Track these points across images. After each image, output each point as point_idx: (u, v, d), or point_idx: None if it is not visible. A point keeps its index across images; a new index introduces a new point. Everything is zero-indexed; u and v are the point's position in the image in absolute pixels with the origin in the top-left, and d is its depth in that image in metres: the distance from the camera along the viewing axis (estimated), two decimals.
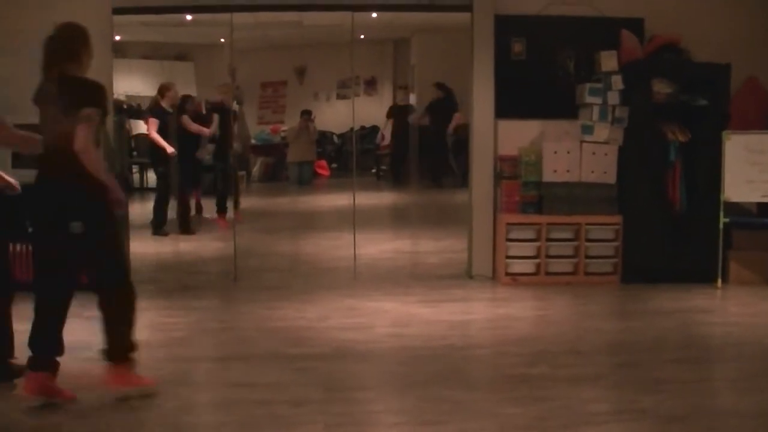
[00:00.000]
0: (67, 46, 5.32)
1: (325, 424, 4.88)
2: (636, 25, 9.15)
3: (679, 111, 8.81)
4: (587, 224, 8.93)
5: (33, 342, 5.19)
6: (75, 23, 5.43)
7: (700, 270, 8.83)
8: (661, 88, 8.86)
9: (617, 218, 8.96)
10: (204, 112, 19.39)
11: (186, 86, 21.18)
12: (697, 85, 8.84)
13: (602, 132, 8.95)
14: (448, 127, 14.06)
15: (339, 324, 6.97)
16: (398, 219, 14.19)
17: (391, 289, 8.58)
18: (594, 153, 8.97)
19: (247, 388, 5.62)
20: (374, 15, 13.28)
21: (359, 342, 6.53)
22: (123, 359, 5.32)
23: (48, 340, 5.22)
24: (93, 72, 5.34)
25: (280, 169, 15.89)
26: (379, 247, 10.83)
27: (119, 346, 5.32)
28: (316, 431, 4.70)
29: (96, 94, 5.19)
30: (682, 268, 8.82)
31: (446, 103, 13.98)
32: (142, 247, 10.52)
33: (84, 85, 5.22)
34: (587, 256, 9.00)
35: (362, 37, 18.73)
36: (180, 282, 9.36)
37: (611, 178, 8.98)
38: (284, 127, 15.69)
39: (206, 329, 7.19)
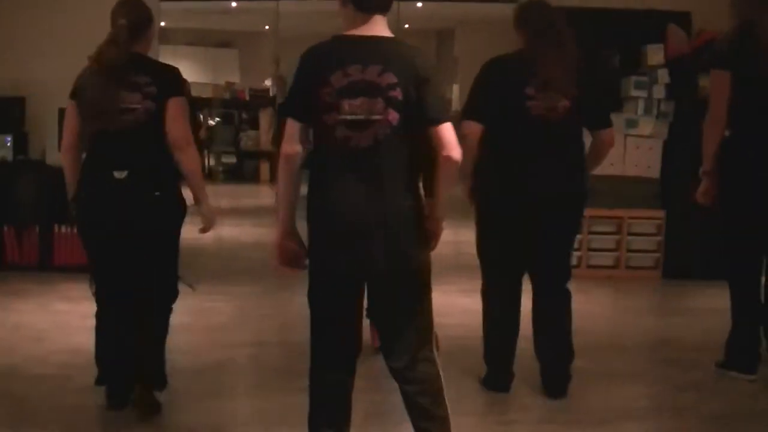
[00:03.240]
0: None
1: (366, 412, 4.90)
2: (683, 19, 9.08)
3: None
4: (630, 218, 8.90)
5: None
6: None
7: None
8: (708, 83, 8.78)
9: (660, 213, 8.92)
10: (247, 99, 19.49)
11: (230, 73, 21.32)
12: None
13: (647, 126, 8.90)
14: None
15: None
16: None
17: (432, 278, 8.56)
18: (638, 147, 8.92)
19: (288, 374, 5.65)
20: (419, 5, 13.32)
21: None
22: None
23: None
24: None
25: None
26: None
27: None
28: (357, 419, 4.71)
29: None
30: (724, 266, 8.75)
31: None
32: (183, 231, 10.60)
33: None
34: (629, 251, 8.97)
35: (407, 26, 18.77)
36: (221, 267, 9.42)
37: (655, 172, 8.94)
38: None
39: (247, 315, 7.24)
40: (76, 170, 4.78)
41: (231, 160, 19.45)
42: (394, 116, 3.60)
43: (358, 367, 5.51)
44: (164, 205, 4.68)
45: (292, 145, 3.70)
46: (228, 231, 12.40)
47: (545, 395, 5.24)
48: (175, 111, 4.66)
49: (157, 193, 4.62)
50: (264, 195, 16.22)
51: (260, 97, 19.26)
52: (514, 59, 5.09)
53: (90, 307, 5.59)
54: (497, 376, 5.34)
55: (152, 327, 4.90)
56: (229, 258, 10.18)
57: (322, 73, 3.63)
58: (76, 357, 5.79)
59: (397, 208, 3.66)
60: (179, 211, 4.81)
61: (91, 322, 4.92)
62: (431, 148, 3.66)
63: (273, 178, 16.01)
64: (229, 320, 7.04)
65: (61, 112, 8.34)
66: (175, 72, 4.85)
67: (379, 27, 3.71)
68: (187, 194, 4.79)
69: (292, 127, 3.71)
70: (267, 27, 18.18)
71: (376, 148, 3.61)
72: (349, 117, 3.60)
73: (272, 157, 16.84)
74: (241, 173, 19.20)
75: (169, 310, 4.97)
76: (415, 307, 3.86)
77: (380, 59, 3.61)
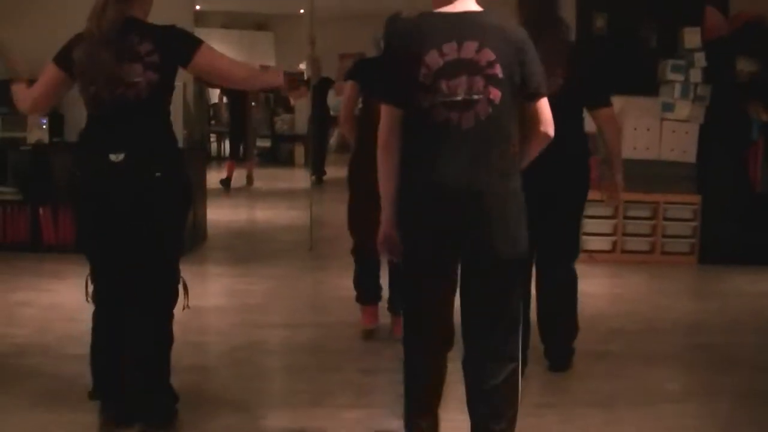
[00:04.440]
0: None
1: (397, 394, 4.88)
2: (721, 2, 8.99)
3: (763, 90, 8.64)
4: (665, 203, 8.83)
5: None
6: None
7: None
8: (745, 66, 8.71)
9: (696, 198, 8.84)
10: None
11: (265, 56, 21.33)
12: None
13: (683, 110, 8.82)
14: None
15: None
16: None
17: None
18: (674, 131, 8.85)
19: (321, 355, 5.67)
20: None
21: None
22: None
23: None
24: None
25: None
26: None
27: None
28: (389, 400, 4.73)
29: None
30: (762, 251, 8.68)
31: None
32: (217, 214, 10.64)
33: None
34: (664, 236, 8.91)
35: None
36: (255, 249, 9.45)
37: (691, 156, 8.86)
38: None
39: (281, 296, 7.26)
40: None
41: (266, 143, 19.50)
42: (495, 94, 3.44)
43: (388, 349, 5.55)
44: (166, 187, 4.13)
45: (391, 135, 3.53)
46: (262, 213, 12.47)
47: (550, 370, 5.34)
48: (212, 59, 4.21)
49: (158, 174, 4.09)
50: (299, 178, 16.24)
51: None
52: None
53: None
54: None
55: (152, 332, 4.26)
56: (263, 240, 10.21)
57: (416, 53, 3.45)
58: None
59: (504, 189, 3.50)
60: (182, 194, 4.29)
61: None
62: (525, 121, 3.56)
63: (306, 161, 16.07)
64: (263, 301, 7.06)
65: None
66: (177, 30, 4.20)
67: (468, 1, 3.56)
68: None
69: (391, 114, 3.54)
70: (302, 11, 18.17)
71: (479, 128, 3.45)
72: (448, 98, 3.44)
73: (306, 139, 16.87)
74: (276, 156, 19.25)
75: (170, 314, 4.31)
76: (508, 295, 3.65)
77: (475, 35, 3.44)
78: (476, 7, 3.56)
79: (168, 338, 4.33)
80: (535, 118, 3.55)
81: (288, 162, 18.88)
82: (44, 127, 8.76)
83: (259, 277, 7.89)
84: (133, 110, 4.10)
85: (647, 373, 5.45)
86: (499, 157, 3.48)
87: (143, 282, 4.20)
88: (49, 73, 4.26)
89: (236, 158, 15.09)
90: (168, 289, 4.28)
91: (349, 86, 5.86)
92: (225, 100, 16.76)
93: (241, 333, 6.13)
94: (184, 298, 4.36)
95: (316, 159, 14.52)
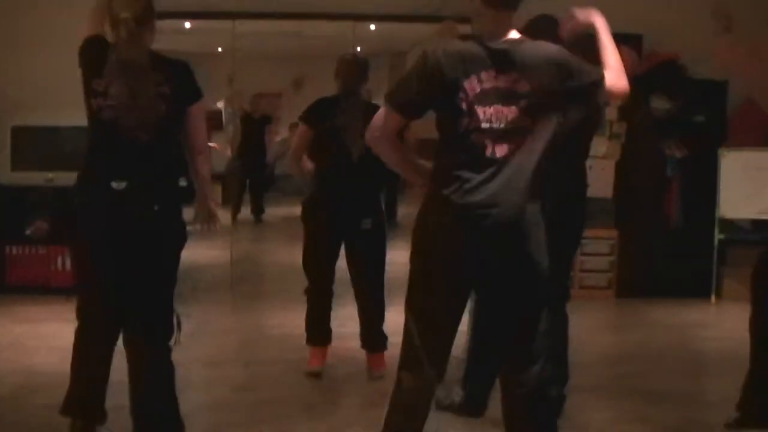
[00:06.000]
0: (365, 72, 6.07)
1: (330, 426, 4.89)
2: (635, 41, 9.19)
3: (677, 127, 8.85)
4: (583, 238, 8.93)
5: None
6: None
7: (695, 285, 8.86)
8: (660, 104, 8.91)
9: (613, 232, 9.00)
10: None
11: None
12: (696, 101, 8.89)
13: (600, 147, 8.97)
14: None
15: (338, 332, 6.94)
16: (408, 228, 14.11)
17: (394, 298, 8.56)
18: (591, 167, 8.95)
19: (249, 391, 5.63)
20: (373, 27, 13.32)
21: (359, 350, 6.47)
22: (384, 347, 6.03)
23: None
24: None
25: (273, 179, 15.86)
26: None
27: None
28: None
29: None
30: (677, 284, 8.85)
31: None
32: None
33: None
34: (582, 270, 9.03)
35: (359, 49, 18.74)
36: (176, 288, 9.34)
37: (608, 192, 9.01)
38: (278, 138, 15.68)
39: (203, 333, 7.19)
40: None
41: (182, 183, 19.32)
42: (528, 122, 3.50)
43: (316, 385, 5.53)
44: (163, 220, 4.21)
45: (373, 132, 3.65)
46: (183, 253, 12.29)
47: None
48: (199, 119, 4.37)
49: (156, 207, 4.17)
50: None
51: (211, 120, 19.20)
52: None
53: (47, 328, 5.53)
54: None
55: (152, 366, 4.32)
56: (181, 278, 10.07)
57: (454, 77, 3.50)
58: (32, 378, 5.74)
59: (531, 214, 3.52)
60: (179, 229, 4.35)
61: (49, 342, 4.76)
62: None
63: (225, 201, 15.97)
64: (184, 339, 6.97)
65: (14, 131, 8.33)
66: (189, 69, 4.42)
67: (509, 28, 3.60)
68: None
69: (390, 118, 3.62)
70: (220, 49, 18.16)
71: (512, 156, 3.49)
72: (483, 125, 3.48)
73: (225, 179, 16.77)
74: (192, 195, 19.07)
75: (167, 347, 4.35)
76: (535, 321, 3.63)
77: (513, 65, 3.51)
78: (516, 34, 3.61)
79: (170, 364, 4.36)
80: (609, 94, 3.86)
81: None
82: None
83: (182, 315, 7.79)
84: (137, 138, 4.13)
85: (574, 403, 5.48)
86: (529, 183, 3.51)
87: (144, 316, 4.29)
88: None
89: None
90: (163, 321, 4.34)
91: (301, 129, 5.99)
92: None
93: None
94: (177, 332, 4.40)
95: (256, 197, 14.57)
